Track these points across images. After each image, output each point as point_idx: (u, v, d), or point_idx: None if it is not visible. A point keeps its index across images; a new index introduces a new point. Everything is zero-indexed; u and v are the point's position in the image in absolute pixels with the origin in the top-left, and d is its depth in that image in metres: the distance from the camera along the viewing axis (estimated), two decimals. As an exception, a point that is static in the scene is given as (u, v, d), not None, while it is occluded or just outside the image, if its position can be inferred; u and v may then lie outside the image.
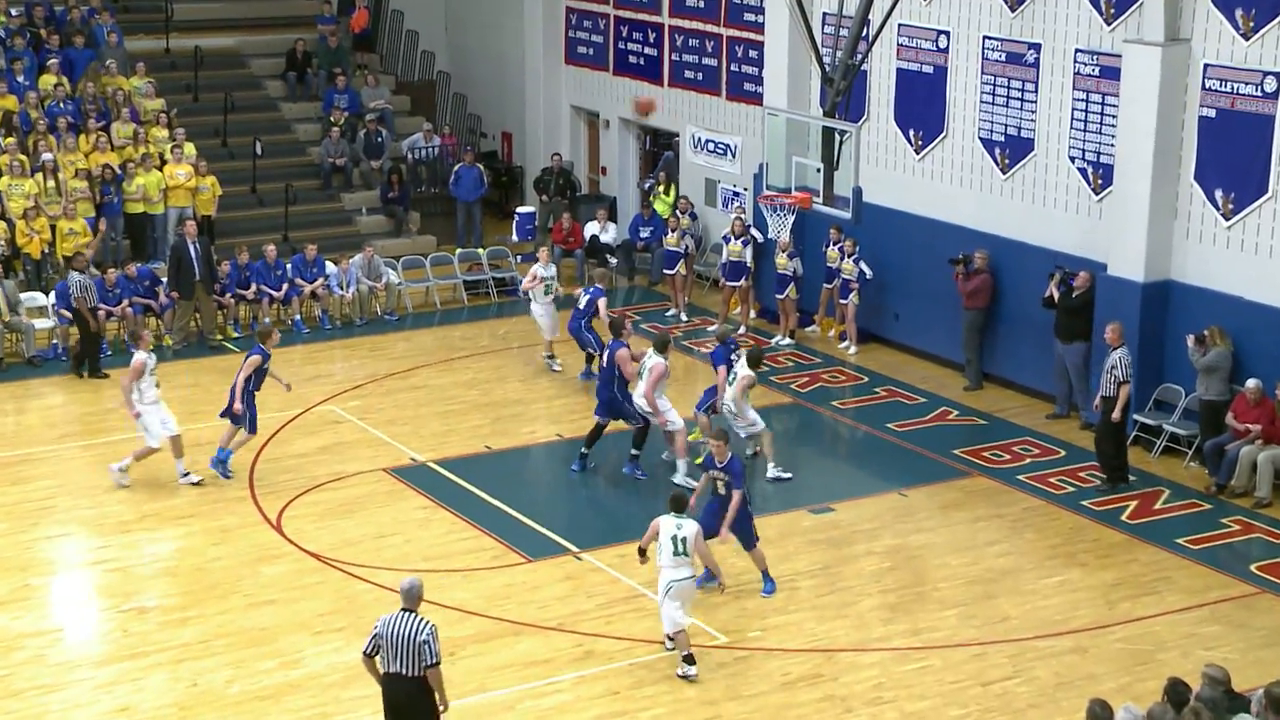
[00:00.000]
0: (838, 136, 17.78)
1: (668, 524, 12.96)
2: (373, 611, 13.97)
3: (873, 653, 13.50)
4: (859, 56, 18.53)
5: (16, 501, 16.53)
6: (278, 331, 17.84)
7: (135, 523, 16.08)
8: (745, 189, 23.59)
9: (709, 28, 24.35)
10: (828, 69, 18.70)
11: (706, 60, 24.57)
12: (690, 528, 12.94)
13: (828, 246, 21.45)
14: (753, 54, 23.51)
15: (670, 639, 13.13)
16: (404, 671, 10.65)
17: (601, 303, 19.40)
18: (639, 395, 16.77)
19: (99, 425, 18.69)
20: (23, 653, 13.42)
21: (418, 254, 24.69)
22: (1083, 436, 18.33)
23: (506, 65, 28.56)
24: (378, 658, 10.80)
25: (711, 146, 24.63)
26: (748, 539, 14.39)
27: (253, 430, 17.04)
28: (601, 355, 17.69)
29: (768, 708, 12.59)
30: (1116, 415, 16.63)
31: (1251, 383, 16.51)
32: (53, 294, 21.13)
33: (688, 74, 24.96)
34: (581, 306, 19.58)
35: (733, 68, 24.08)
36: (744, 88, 23.86)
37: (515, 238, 25.37)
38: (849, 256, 21.00)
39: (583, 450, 17.21)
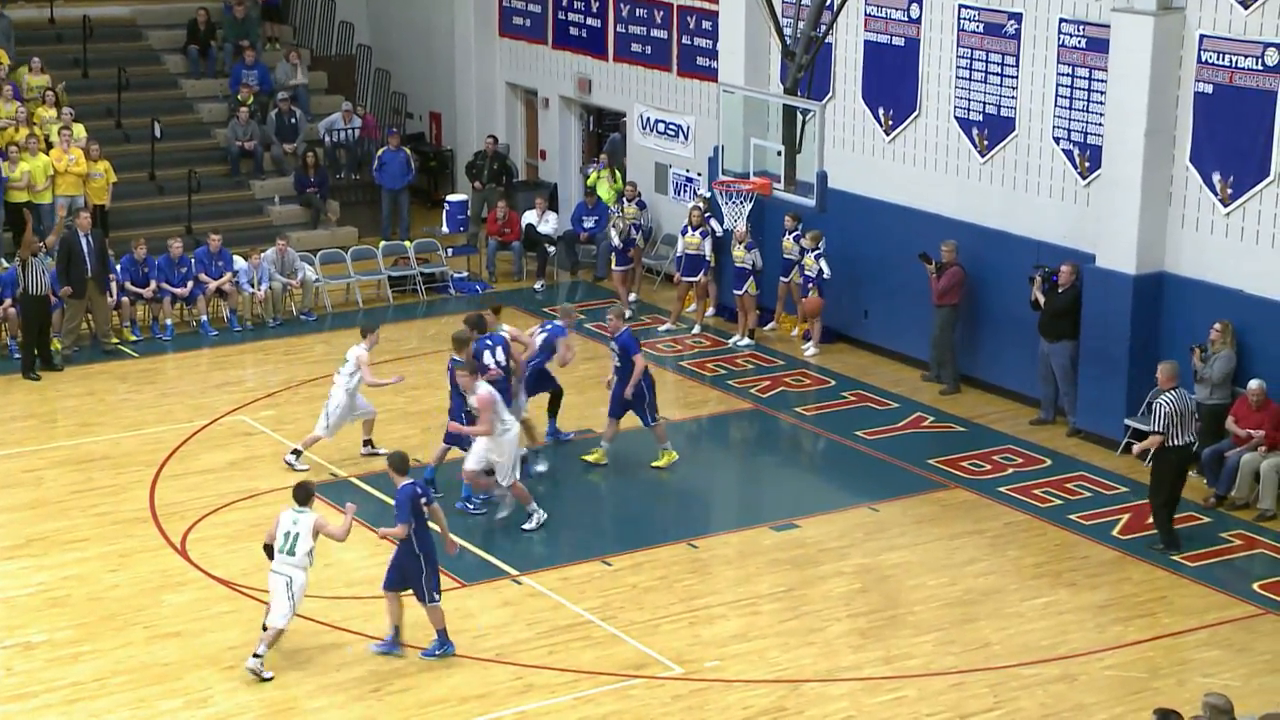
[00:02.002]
0: (800, 116, 17.87)
1: (286, 518, 13.60)
2: (287, 642, 13.97)
3: (842, 683, 13.58)
4: (823, 28, 18.62)
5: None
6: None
7: (20, 547, 15.96)
8: (700, 174, 23.68)
9: (658, -4, 24.48)
10: (788, 42, 18.79)
11: (655, 32, 24.65)
12: (305, 522, 13.53)
13: (784, 236, 21.57)
14: (706, 25, 23.61)
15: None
16: None
17: (562, 343, 17.69)
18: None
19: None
20: (-104, 693, 13.32)
21: (337, 247, 24.64)
22: (1070, 444, 18.52)
23: (434, 38, 28.54)
24: None
25: (662, 127, 24.71)
26: (426, 592, 13.69)
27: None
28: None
29: (727, 745, 12.67)
30: (1137, 449, 16.14)
31: (1254, 384, 16.71)
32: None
33: (635, 47, 25.03)
34: (538, 345, 17.75)
35: (684, 40, 24.17)
36: (697, 63, 23.95)
37: (445, 229, 25.37)
38: (811, 252, 21.10)
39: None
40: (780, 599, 15.03)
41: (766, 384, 20.50)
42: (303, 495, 13.72)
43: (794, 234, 21.44)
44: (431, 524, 13.80)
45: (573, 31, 26.04)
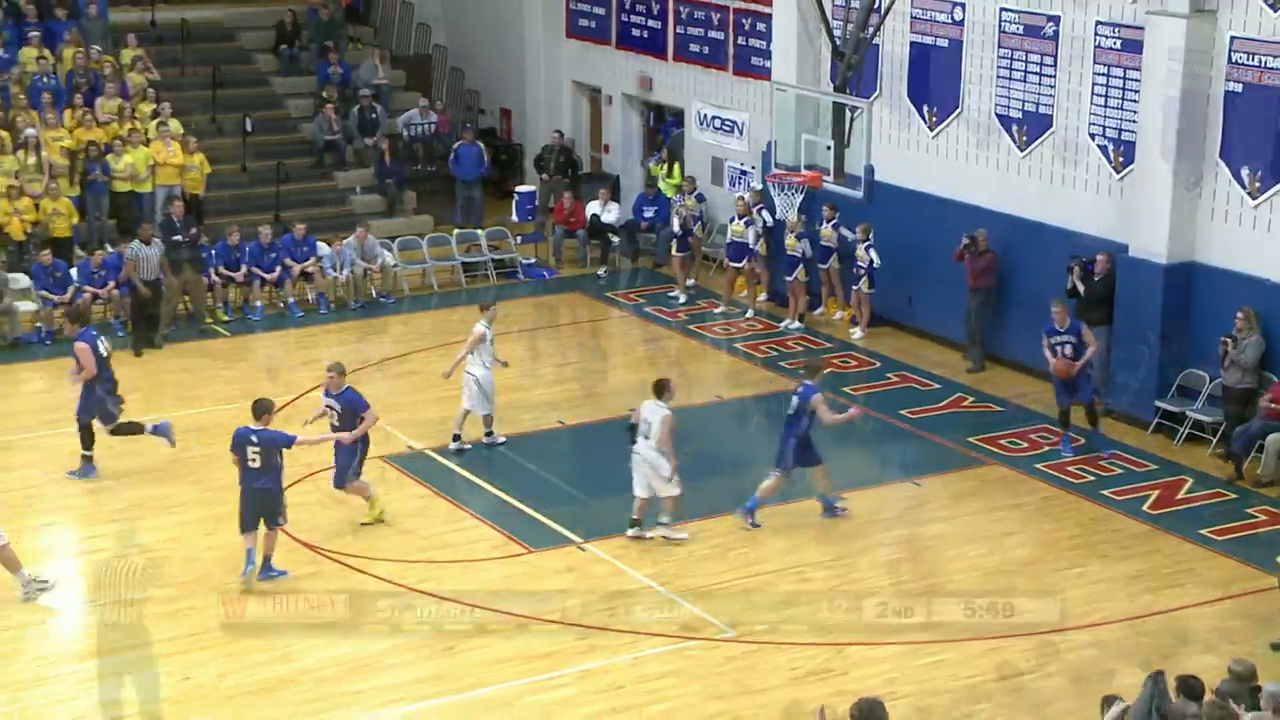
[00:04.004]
0: (849, 113, 17.79)
1: (647, 409, 15.10)
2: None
3: (886, 647, 13.55)
4: (871, 30, 18.51)
5: (1, 490, 16.56)
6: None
7: (124, 511, 16.13)
8: (752, 167, 23.61)
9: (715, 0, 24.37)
10: (838, 43, 18.70)
11: (713, 33, 24.56)
12: (658, 414, 14.99)
13: (820, 224, 21.49)
14: (760, 27, 23.50)
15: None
16: None
17: (817, 399, 15.58)
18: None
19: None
20: (2, 646, 13.46)
21: (414, 234, 24.72)
22: (1103, 424, 18.34)
23: (506, 39, 28.55)
24: None
25: (718, 123, 24.63)
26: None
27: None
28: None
29: (777, 702, 12.62)
30: None
31: (1292, 361, 16.45)
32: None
33: (693, 48, 24.95)
34: (791, 412, 15.77)
35: (740, 41, 24.08)
36: (751, 62, 23.85)
37: (515, 218, 25.43)
38: (862, 243, 21.01)
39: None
40: (828, 567, 14.98)
41: (815, 365, 20.40)
42: (659, 389, 15.17)
43: (832, 222, 21.36)
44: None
45: (635, 33, 25.98)
